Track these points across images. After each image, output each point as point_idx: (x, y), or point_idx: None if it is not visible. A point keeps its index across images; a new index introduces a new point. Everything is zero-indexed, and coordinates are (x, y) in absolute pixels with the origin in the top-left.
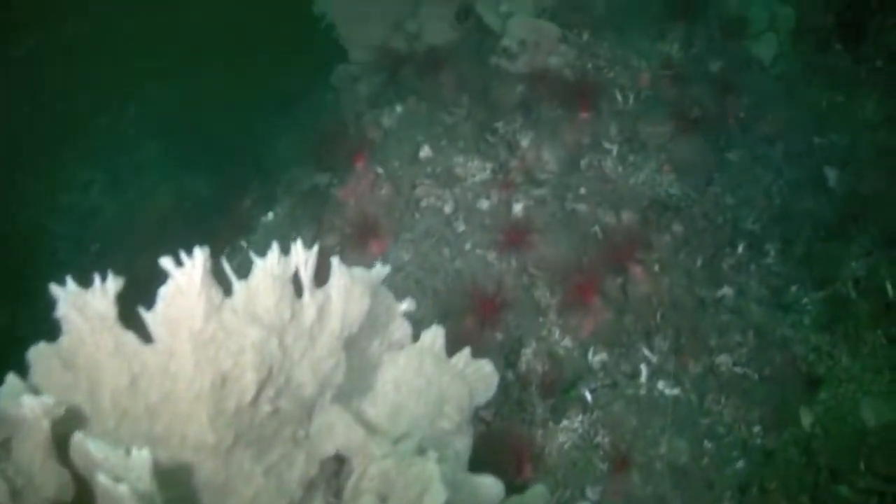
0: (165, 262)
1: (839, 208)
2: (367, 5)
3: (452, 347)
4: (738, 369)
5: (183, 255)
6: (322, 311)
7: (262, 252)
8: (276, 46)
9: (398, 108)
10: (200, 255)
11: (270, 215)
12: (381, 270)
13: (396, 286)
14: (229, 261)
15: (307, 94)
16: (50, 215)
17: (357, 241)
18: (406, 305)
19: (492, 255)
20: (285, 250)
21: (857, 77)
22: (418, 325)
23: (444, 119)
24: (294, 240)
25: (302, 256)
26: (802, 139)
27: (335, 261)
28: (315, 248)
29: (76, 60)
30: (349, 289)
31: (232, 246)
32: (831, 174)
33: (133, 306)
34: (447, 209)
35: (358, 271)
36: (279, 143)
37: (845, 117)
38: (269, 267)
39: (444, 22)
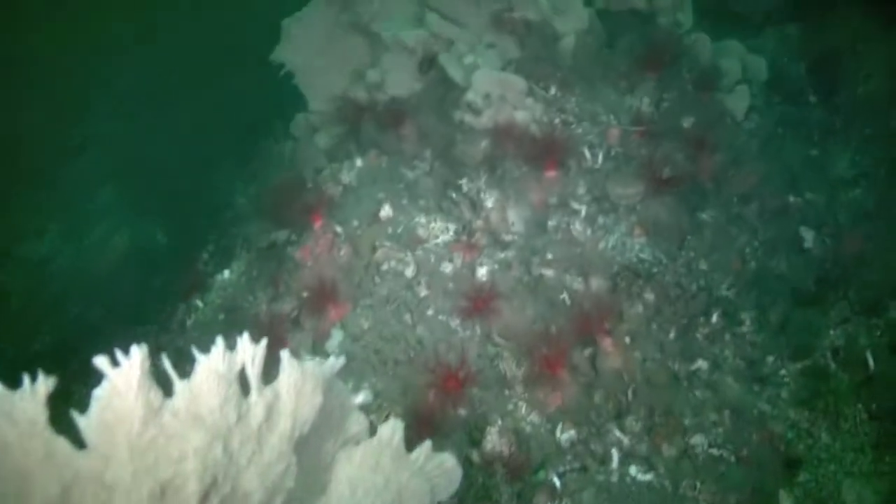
0: (100, 361)
1: (816, 272)
2: (328, 54)
3: (414, 430)
4: (714, 451)
5: (119, 355)
6: (271, 411)
7: (215, 319)
8: (235, 94)
9: (358, 162)
10: (138, 355)
11: (227, 273)
12: (334, 363)
13: (355, 356)
14: (184, 321)
15: (266, 145)
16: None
17: (315, 307)
18: (362, 398)
19: (455, 322)
20: (232, 345)
21: (831, 129)
22: (378, 396)
23: (406, 174)
24: (240, 333)
25: (249, 352)
26: (777, 197)
27: (284, 355)
28: (263, 343)
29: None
30: (300, 385)
31: (187, 304)
32: (808, 235)
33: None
34: (409, 272)
35: (310, 366)
36: (237, 195)
37: (820, 173)
38: (213, 365)
39: (407, 72)
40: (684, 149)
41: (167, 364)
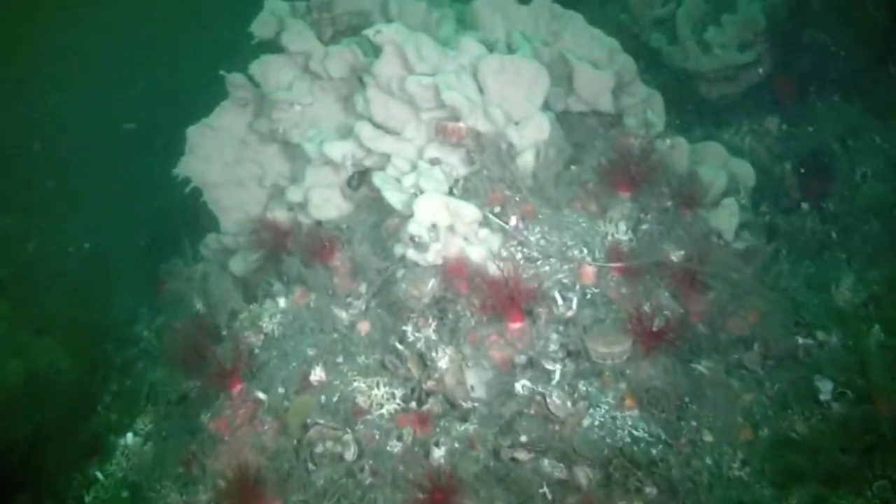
0: None
1: (841, 436)
2: (241, 167)
3: None
4: None
5: None
6: None
7: None
8: (140, 212)
9: (281, 302)
10: None
11: (130, 437)
12: None
13: None
14: (81, 497)
15: (174, 266)
16: None
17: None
18: None
19: None
20: None
21: (827, 240)
22: None
23: (339, 316)
24: None
25: None
26: (783, 338)
27: None
28: None
29: None
30: None
31: (84, 474)
32: (824, 386)
33: None
34: (349, 455)
35: None
36: (142, 325)
37: (825, 301)
38: None
39: (334, 191)
40: (671, 286)
41: None
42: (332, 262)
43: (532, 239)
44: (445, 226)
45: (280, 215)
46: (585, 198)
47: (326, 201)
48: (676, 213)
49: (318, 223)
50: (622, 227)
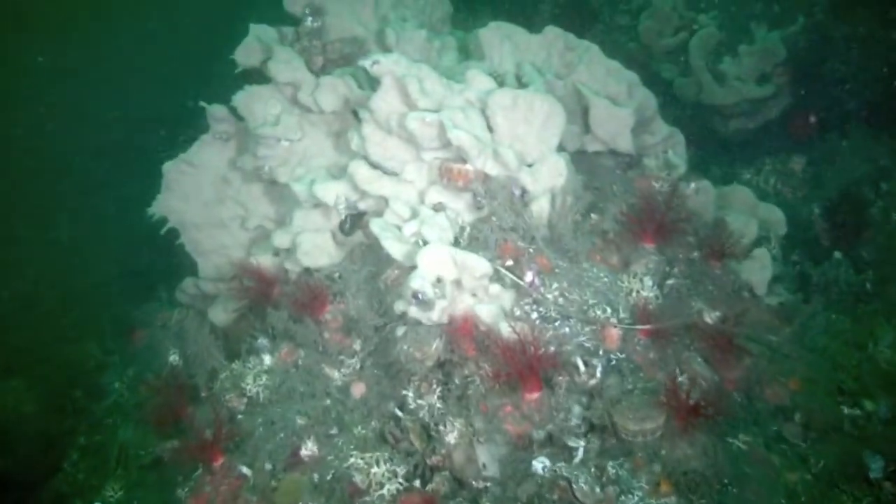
0: None
1: None
2: (222, 208)
3: None
4: None
5: None
6: None
7: None
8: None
9: (266, 360)
10: None
11: None
12: None
13: None
14: None
15: (148, 310)
16: None
17: None
18: None
19: None
20: None
21: (862, 291)
22: None
23: (331, 376)
24: None
25: None
26: (826, 408)
27: None
28: None
29: None
30: None
31: None
32: (875, 463)
33: None
34: None
35: None
36: (114, 375)
37: (868, 361)
38: None
39: (325, 236)
40: (703, 349)
41: None
42: (323, 315)
43: (549, 297)
44: (452, 280)
45: (265, 261)
46: (606, 249)
47: (317, 248)
48: (704, 265)
49: (308, 271)
50: (648, 282)
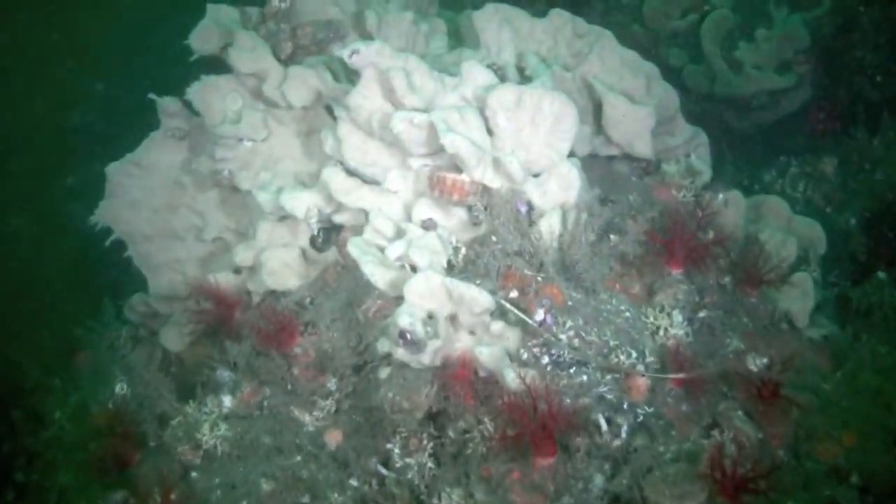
0: None
1: None
2: (177, 214)
3: None
4: None
5: None
6: None
7: None
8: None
9: (226, 402)
10: None
11: None
12: None
13: None
14: None
15: (93, 328)
16: None
17: None
18: None
19: None
20: None
21: None
22: None
23: (301, 422)
24: None
25: None
26: (885, 467)
27: None
28: None
29: None
30: None
31: None
32: None
33: None
34: None
35: None
36: (55, 402)
37: None
38: None
39: (294, 251)
40: (744, 400)
41: None
42: (292, 348)
43: (563, 337)
44: (446, 316)
45: (225, 280)
46: (626, 275)
47: (285, 267)
48: (738, 293)
49: (274, 295)
50: (677, 317)
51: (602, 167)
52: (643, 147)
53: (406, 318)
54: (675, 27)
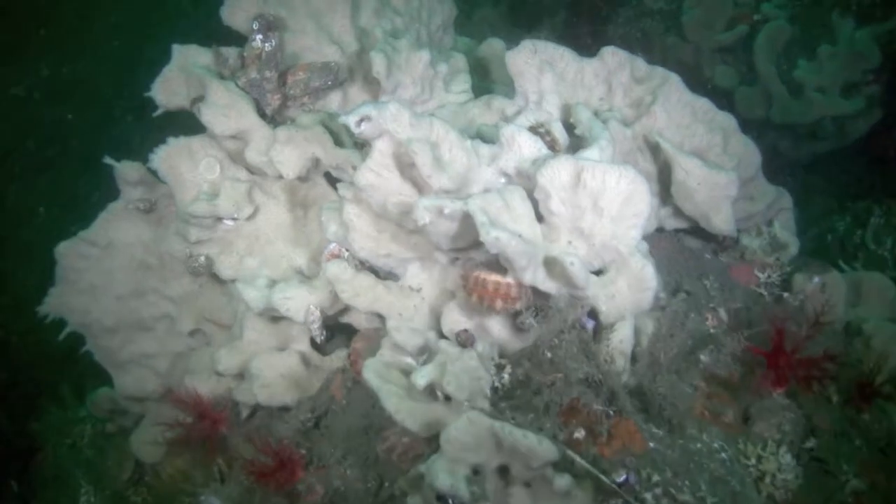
0: None
1: None
2: (144, 302)
3: None
4: None
5: None
6: None
7: None
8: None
9: None
10: None
11: None
12: None
13: None
14: None
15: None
16: None
17: None
18: None
19: None
20: None
21: None
22: None
23: None
24: None
25: None
26: None
27: None
28: None
29: None
30: None
31: None
32: None
33: None
34: None
35: None
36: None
37: None
38: None
39: (292, 358)
40: None
41: None
42: (290, 482)
43: (648, 497)
44: (494, 468)
45: (205, 386)
46: (714, 397)
47: (281, 378)
48: (846, 409)
49: (266, 412)
50: (785, 456)
51: (669, 244)
52: (722, 221)
53: (446, 480)
54: (720, 40)
